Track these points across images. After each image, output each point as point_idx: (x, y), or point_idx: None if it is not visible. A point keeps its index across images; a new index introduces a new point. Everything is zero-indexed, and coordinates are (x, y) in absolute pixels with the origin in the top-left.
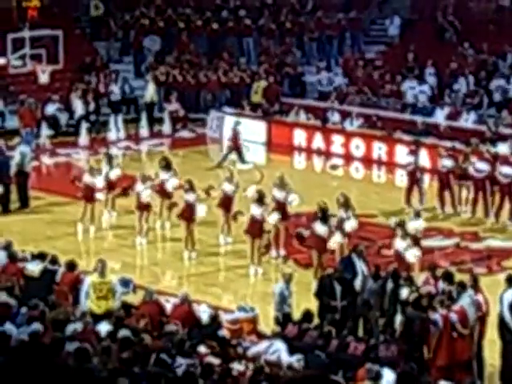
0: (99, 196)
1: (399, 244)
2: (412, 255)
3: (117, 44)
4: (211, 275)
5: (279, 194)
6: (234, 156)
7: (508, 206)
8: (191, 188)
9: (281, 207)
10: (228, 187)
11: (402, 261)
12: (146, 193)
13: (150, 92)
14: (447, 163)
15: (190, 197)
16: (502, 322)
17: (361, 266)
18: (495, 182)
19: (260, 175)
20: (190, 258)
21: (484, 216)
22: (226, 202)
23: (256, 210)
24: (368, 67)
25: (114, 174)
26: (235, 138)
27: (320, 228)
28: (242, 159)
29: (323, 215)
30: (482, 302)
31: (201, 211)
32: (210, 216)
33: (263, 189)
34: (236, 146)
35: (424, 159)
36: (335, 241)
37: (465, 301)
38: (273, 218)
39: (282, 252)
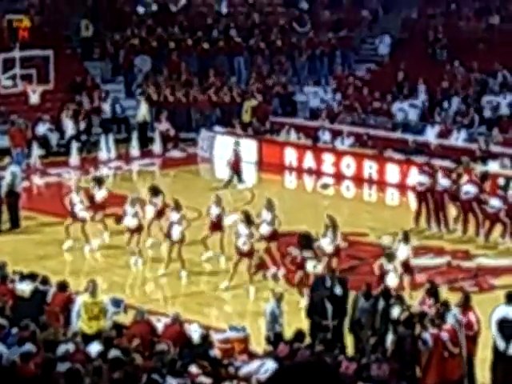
0: (84, 215)
1: (389, 281)
2: (391, 281)
3: (110, 65)
4: (203, 294)
5: (266, 216)
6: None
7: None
8: (177, 208)
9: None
10: (215, 210)
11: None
12: (133, 216)
13: (143, 111)
14: (444, 183)
15: (174, 217)
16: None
17: (334, 288)
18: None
19: (251, 195)
20: (180, 277)
21: (475, 234)
22: (215, 225)
23: (244, 230)
24: (358, 86)
25: (101, 195)
26: (236, 158)
27: (305, 252)
28: (239, 179)
29: (307, 242)
30: (473, 320)
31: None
32: (201, 235)
33: (254, 208)
34: (236, 167)
35: (413, 177)
36: (313, 266)
37: (449, 320)
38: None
39: (282, 271)
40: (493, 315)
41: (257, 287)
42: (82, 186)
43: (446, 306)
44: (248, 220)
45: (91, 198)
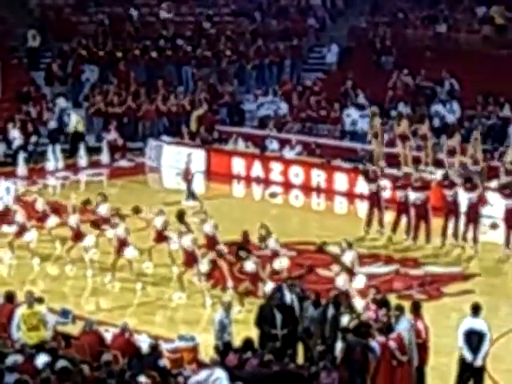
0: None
1: (339, 281)
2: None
3: (62, 88)
4: (151, 304)
5: (207, 229)
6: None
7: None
8: (122, 219)
9: (211, 240)
10: (159, 221)
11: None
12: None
13: (73, 123)
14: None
15: (119, 230)
16: None
17: (292, 299)
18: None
19: (199, 205)
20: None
21: (425, 242)
22: (159, 237)
23: (187, 242)
24: (306, 94)
25: (42, 204)
26: (187, 171)
27: (248, 265)
28: (192, 194)
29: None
30: (422, 329)
31: (130, 252)
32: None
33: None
34: (187, 180)
35: (362, 186)
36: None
37: (403, 325)
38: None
39: (230, 283)
40: (459, 327)
41: (204, 296)
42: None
43: (400, 310)
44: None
45: (34, 208)
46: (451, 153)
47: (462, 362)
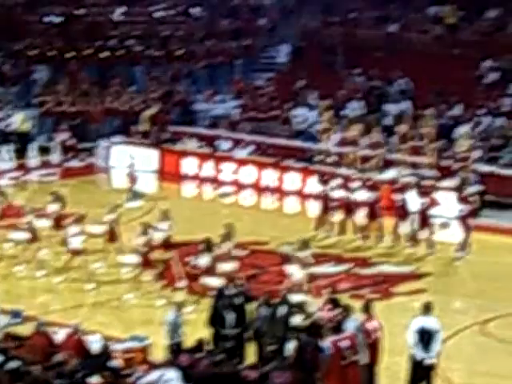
0: None
1: (296, 275)
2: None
3: (14, 88)
4: (104, 305)
5: (163, 226)
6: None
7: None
8: (78, 221)
9: (166, 239)
10: (111, 218)
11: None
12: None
13: (17, 122)
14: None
15: (74, 229)
16: None
17: (234, 298)
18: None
19: (151, 205)
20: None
21: (376, 241)
22: (111, 234)
23: (141, 241)
24: (257, 94)
25: None
26: (130, 174)
27: (203, 260)
28: (136, 194)
29: (207, 246)
30: (372, 328)
31: (75, 243)
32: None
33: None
34: (131, 182)
35: (313, 186)
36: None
37: (350, 324)
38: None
39: (183, 283)
40: (410, 325)
41: (157, 296)
42: None
43: (347, 311)
44: (145, 232)
45: None
46: (403, 138)
47: (414, 361)
